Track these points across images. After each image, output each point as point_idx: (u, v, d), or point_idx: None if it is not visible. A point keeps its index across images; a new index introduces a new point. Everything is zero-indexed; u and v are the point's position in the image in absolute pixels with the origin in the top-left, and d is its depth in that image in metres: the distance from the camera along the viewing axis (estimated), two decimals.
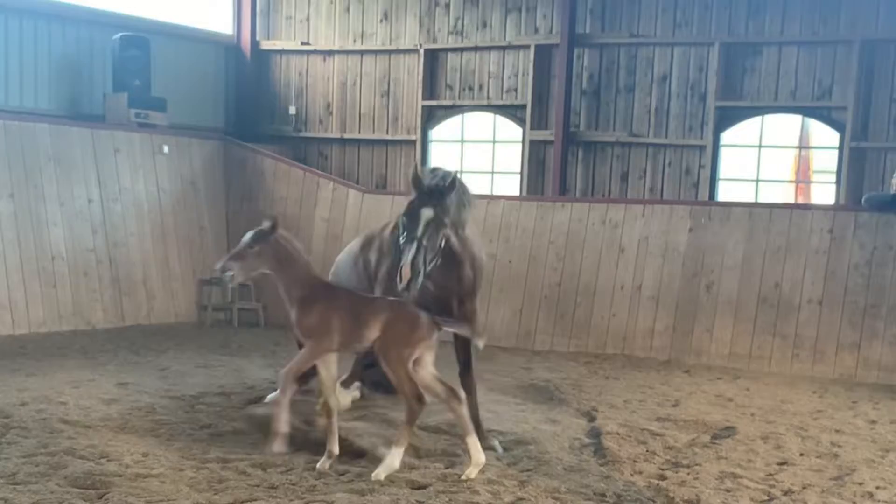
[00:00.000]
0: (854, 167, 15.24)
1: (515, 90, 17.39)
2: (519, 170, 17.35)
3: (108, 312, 15.10)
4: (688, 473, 8.18)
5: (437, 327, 7.87)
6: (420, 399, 7.70)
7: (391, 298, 8.12)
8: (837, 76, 15.41)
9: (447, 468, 7.96)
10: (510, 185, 17.47)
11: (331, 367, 8.07)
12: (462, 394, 7.91)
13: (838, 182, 15.43)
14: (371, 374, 10.06)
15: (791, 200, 15.78)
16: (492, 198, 16.00)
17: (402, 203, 9.67)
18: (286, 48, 19.07)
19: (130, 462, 7.69)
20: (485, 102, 17.58)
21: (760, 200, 15.63)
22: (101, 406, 9.65)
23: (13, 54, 15.50)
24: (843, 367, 13.60)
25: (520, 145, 17.31)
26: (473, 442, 7.79)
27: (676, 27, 16.33)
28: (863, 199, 14.33)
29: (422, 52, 17.94)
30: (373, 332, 7.79)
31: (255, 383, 11.21)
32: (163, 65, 17.21)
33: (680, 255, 14.67)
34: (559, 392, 11.44)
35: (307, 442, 8.43)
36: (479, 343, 7.90)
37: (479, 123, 17.78)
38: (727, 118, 16.06)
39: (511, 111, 17.41)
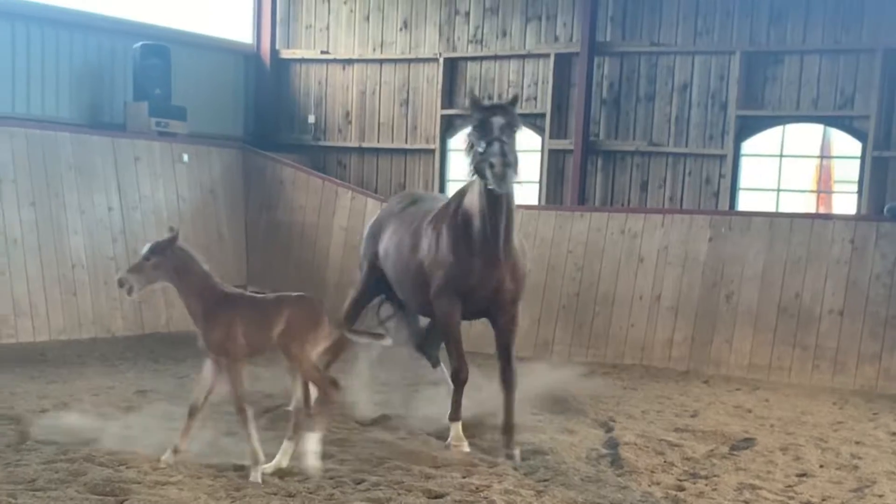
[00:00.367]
0: (876, 177, 15.15)
1: (535, 99, 17.38)
2: (538, 179, 17.32)
3: (127, 320, 15.14)
4: (706, 484, 8.16)
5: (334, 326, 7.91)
6: (335, 384, 7.86)
7: (294, 294, 8.06)
8: (860, 85, 15.32)
9: (464, 477, 7.96)
10: (528, 195, 17.43)
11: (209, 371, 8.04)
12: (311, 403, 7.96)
13: (860, 192, 15.33)
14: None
15: (812, 210, 15.70)
16: None
17: None
18: (306, 57, 19.13)
19: (149, 469, 7.71)
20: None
21: (781, 210, 15.55)
22: (121, 414, 9.68)
23: (35, 63, 15.59)
24: (863, 379, 13.50)
25: (539, 154, 17.29)
26: (288, 447, 7.88)
27: (697, 35, 16.28)
28: (885, 209, 14.25)
29: (441, 60, 17.95)
30: (277, 333, 7.77)
31: (272, 391, 11.20)
32: (183, 74, 17.27)
33: (699, 264, 14.61)
34: (576, 402, 11.39)
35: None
36: (386, 342, 8.10)
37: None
38: (748, 127, 16.00)
39: (530, 120, 17.37)
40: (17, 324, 14.02)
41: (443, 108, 17.95)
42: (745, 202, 16.09)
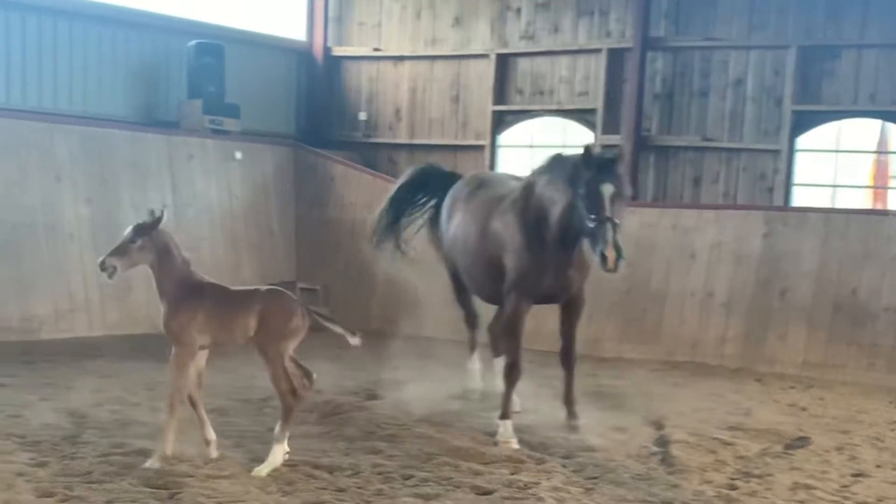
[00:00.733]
0: None
1: (586, 94, 17.31)
2: None
3: None
4: (759, 484, 8.07)
5: (309, 317, 7.84)
6: (294, 393, 7.76)
7: (265, 288, 8.03)
8: None
9: (512, 474, 7.95)
10: None
11: (200, 361, 8.04)
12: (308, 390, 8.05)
13: None
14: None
15: (869, 206, 15.50)
16: None
17: None
18: (357, 54, 19.19)
19: (201, 463, 7.78)
20: (555, 107, 17.52)
21: (837, 206, 15.37)
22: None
23: (91, 62, 15.79)
24: None
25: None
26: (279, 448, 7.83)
27: (752, 30, 16.13)
28: None
29: (493, 56, 17.93)
30: (248, 326, 7.73)
31: (321, 387, 11.25)
32: (236, 71, 17.40)
33: (753, 261, 14.47)
34: (627, 399, 11.35)
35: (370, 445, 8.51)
36: (354, 342, 8.02)
37: (549, 128, 17.71)
38: (804, 122, 15.82)
39: (582, 116, 17.32)
40: (73, 319, 14.22)
41: (494, 104, 17.93)
42: (800, 198, 15.93)
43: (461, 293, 11.34)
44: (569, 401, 9.69)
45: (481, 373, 11.38)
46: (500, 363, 10.87)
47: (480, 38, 18.19)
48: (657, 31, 16.71)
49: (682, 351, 14.54)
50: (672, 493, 7.64)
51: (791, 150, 15.86)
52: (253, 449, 8.34)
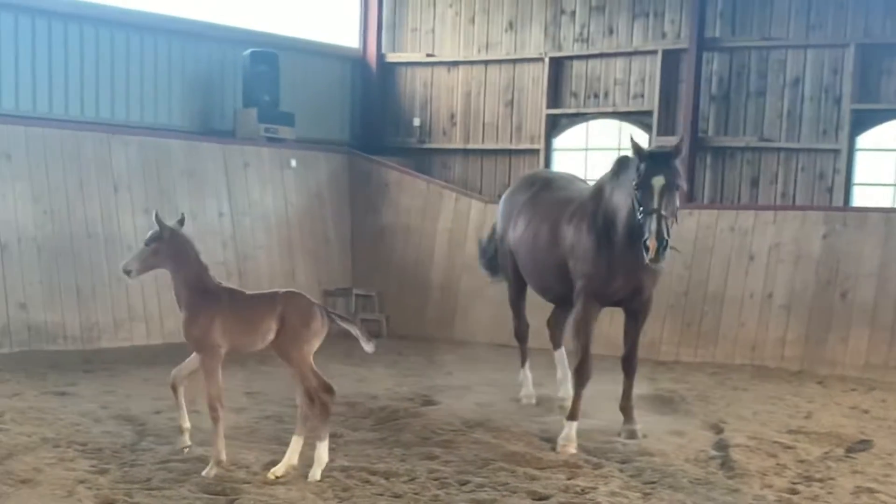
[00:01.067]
0: None
1: (642, 96, 17.20)
2: None
3: None
4: (821, 488, 7.97)
5: (330, 320, 7.83)
6: (329, 390, 7.78)
7: (283, 291, 8.03)
8: None
9: (569, 479, 7.92)
10: None
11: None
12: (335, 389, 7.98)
13: None
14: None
15: None
16: None
17: None
18: (411, 60, 19.22)
19: (259, 469, 7.85)
20: (610, 109, 17.43)
21: None
22: (231, 415, 9.78)
23: (148, 73, 15.95)
24: None
25: None
26: (298, 442, 7.86)
27: (810, 29, 15.94)
28: None
29: (547, 60, 17.88)
30: (269, 331, 7.74)
31: (377, 393, 11.30)
32: (291, 79, 17.51)
33: (813, 262, 14.30)
34: (684, 403, 11.27)
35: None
36: (368, 348, 7.93)
37: (604, 131, 17.62)
38: (863, 121, 15.59)
39: (637, 118, 17.22)
40: (132, 327, 14.39)
41: (548, 107, 17.87)
42: (861, 198, 15.69)
43: (518, 298, 11.35)
44: (627, 405, 9.67)
45: (534, 380, 11.36)
46: (559, 355, 11.19)
47: (534, 42, 18.14)
48: (712, 32, 16.57)
49: (741, 353, 14.41)
50: (732, 498, 7.56)
51: (851, 150, 15.64)
52: (309, 455, 8.34)
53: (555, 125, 17.96)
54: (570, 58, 17.85)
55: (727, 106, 16.63)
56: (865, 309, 13.85)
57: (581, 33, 17.73)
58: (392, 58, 19.34)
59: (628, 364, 9.74)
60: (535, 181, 10.97)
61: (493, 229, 11.86)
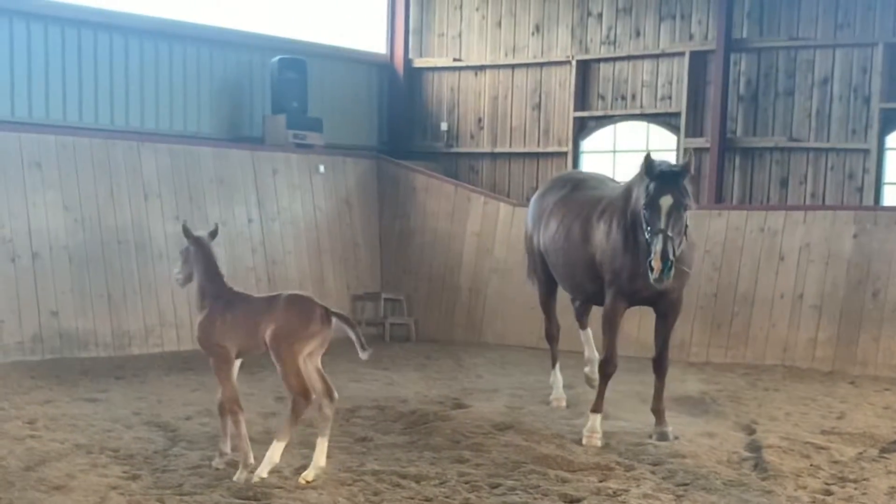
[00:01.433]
0: None
1: (669, 98, 17.16)
2: None
3: None
4: (855, 489, 7.91)
5: (329, 320, 7.77)
6: (307, 395, 7.70)
7: (289, 293, 8.10)
8: None
9: (601, 482, 7.89)
10: None
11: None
12: (335, 395, 7.92)
13: None
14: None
15: None
16: None
17: None
18: (438, 65, 19.25)
19: (290, 474, 7.85)
20: (638, 111, 17.39)
21: None
22: (261, 420, 9.87)
23: (177, 80, 16.06)
24: None
25: (674, 154, 17.04)
26: (323, 444, 7.80)
27: (838, 28, 15.87)
28: None
29: (574, 63, 17.87)
30: (266, 332, 7.80)
31: (407, 396, 11.30)
32: (319, 85, 17.58)
33: (844, 262, 14.22)
34: (716, 404, 11.22)
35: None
36: (363, 355, 7.78)
37: (632, 133, 17.57)
38: (892, 120, 15.51)
39: (665, 119, 17.18)
40: (163, 334, 14.48)
41: (575, 110, 17.86)
42: (891, 197, 15.59)
43: (549, 299, 11.36)
44: (658, 407, 9.66)
45: (564, 382, 11.37)
46: (585, 335, 11.39)
47: (561, 45, 18.14)
48: (740, 33, 16.52)
49: (772, 354, 14.35)
50: (766, 500, 7.51)
51: (881, 149, 15.54)
52: (341, 459, 8.38)
53: (582, 128, 17.94)
54: (598, 60, 17.84)
55: (755, 106, 16.57)
56: None
57: (608, 35, 17.71)
58: (419, 63, 19.38)
59: (659, 365, 9.73)
60: (566, 182, 11.00)
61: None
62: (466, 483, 7.73)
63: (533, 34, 18.42)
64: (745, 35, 16.52)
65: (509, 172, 18.72)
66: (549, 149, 18.23)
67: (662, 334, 9.70)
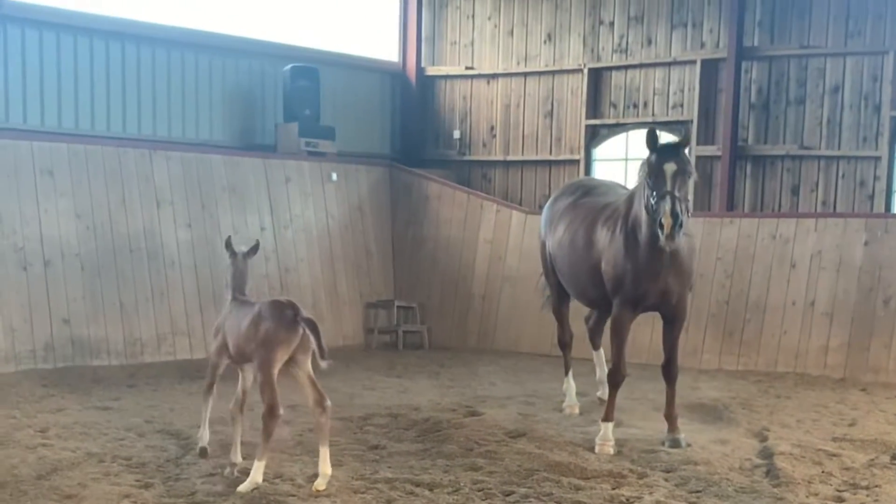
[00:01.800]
0: None
1: (681, 106, 17.16)
2: None
3: None
4: (867, 495, 7.91)
5: (300, 326, 7.70)
6: (272, 411, 7.68)
7: (269, 299, 8.15)
8: None
9: (614, 489, 7.90)
10: None
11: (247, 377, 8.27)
12: (328, 403, 7.89)
13: None
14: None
15: None
16: None
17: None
18: (451, 73, 19.28)
19: (303, 482, 7.87)
20: (649, 119, 17.39)
21: None
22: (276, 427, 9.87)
23: (189, 88, 16.11)
24: None
25: None
26: (325, 452, 7.78)
27: (849, 37, 15.86)
28: None
29: (585, 71, 17.89)
30: (252, 337, 7.83)
31: (420, 404, 11.32)
32: (331, 93, 17.62)
33: (855, 269, 14.21)
34: (728, 411, 11.20)
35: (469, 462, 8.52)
36: (323, 364, 7.66)
37: (644, 141, 17.49)
38: None
39: (677, 127, 17.13)
40: (175, 342, 14.51)
41: (587, 118, 17.88)
42: None
43: (561, 305, 11.41)
44: (670, 414, 9.68)
45: (577, 390, 11.39)
46: (598, 356, 11.43)
47: (573, 53, 18.16)
48: (751, 41, 16.52)
49: (784, 361, 14.35)
50: None
51: (891, 157, 15.53)
52: (354, 467, 8.40)
53: (594, 136, 17.96)
54: (609, 68, 17.85)
55: (767, 114, 16.56)
56: None
57: (620, 44, 17.73)
58: (431, 71, 19.41)
59: (668, 371, 9.77)
60: (577, 188, 11.09)
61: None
62: (480, 491, 7.74)
63: (545, 42, 18.44)
64: (756, 43, 16.52)
65: (521, 180, 18.74)
66: (562, 157, 18.24)
67: (670, 340, 9.74)
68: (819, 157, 16.13)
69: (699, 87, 16.85)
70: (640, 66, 17.54)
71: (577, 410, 11.06)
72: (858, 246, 14.25)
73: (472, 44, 19.16)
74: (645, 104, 17.53)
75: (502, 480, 8.05)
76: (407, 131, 19.40)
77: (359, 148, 18.31)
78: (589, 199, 10.58)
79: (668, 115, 17.28)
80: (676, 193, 8.71)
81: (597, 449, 9.15)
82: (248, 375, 8.25)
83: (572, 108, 18.15)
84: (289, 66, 16.73)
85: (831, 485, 8.21)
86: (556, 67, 18.29)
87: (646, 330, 13.72)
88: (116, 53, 15.23)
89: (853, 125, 15.86)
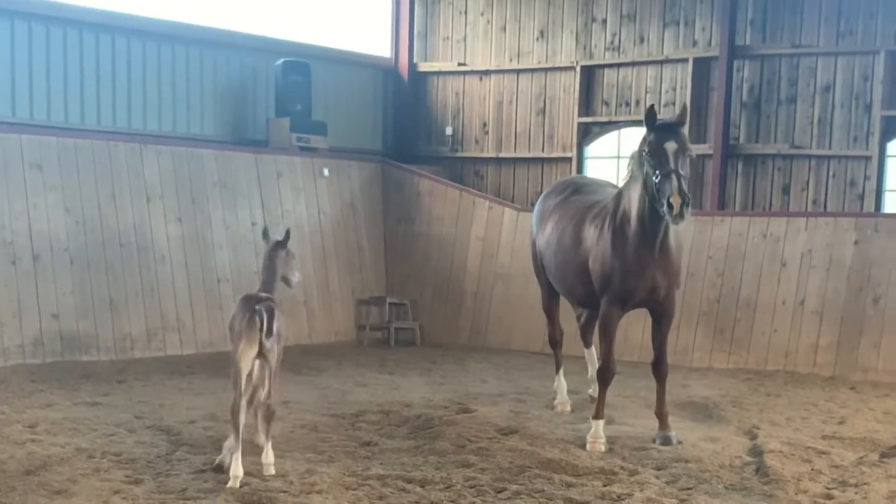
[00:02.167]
0: None
1: (672, 104, 17.16)
2: None
3: None
4: (856, 493, 7.94)
5: (254, 320, 7.73)
6: (233, 405, 7.79)
7: (244, 294, 8.28)
8: None
9: (605, 486, 7.92)
10: None
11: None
12: (273, 408, 8.06)
13: None
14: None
15: None
16: None
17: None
18: (443, 69, 19.27)
19: (294, 479, 7.86)
20: (641, 117, 17.35)
21: None
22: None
23: (180, 83, 16.05)
24: None
25: None
26: (267, 448, 7.98)
27: (840, 37, 15.88)
28: None
29: (578, 68, 17.89)
30: (239, 332, 7.87)
31: (412, 401, 11.32)
32: (323, 89, 17.60)
33: (845, 268, 14.24)
34: (718, 409, 11.24)
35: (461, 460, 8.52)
36: (267, 343, 7.77)
37: (636, 139, 17.51)
38: (894, 128, 15.52)
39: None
40: (165, 337, 14.47)
41: (579, 115, 17.88)
42: (892, 204, 15.61)
43: (552, 303, 11.42)
44: (661, 411, 9.70)
45: (568, 387, 11.40)
46: (589, 353, 11.41)
47: (565, 51, 18.16)
48: (743, 40, 16.54)
49: (774, 360, 14.39)
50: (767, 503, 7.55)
51: (882, 156, 15.57)
52: (346, 464, 8.39)
53: (586, 133, 17.97)
54: (602, 66, 17.86)
55: (758, 113, 16.59)
56: None
57: (612, 42, 17.73)
58: (424, 67, 19.40)
59: (658, 369, 9.79)
60: (567, 186, 11.10)
61: None
62: (472, 487, 7.74)
63: (538, 39, 18.44)
64: (748, 42, 16.54)
65: (514, 177, 18.74)
66: (554, 154, 18.24)
67: (659, 338, 9.76)
68: (810, 157, 16.16)
69: (691, 86, 16.87)
70: (633, 63, 17.55)
71: (568, 408, 11.08)
72: (848, 245, 14.28)
73: (465, 40, 19.15)
74: (637, 102, 17.53)
75: (494, 477, 8.06)
76: (399, 127, 19.38)
77: (351, 143, 18.29)
78: (578, 197, 10.59)
79: (660, 113, 17.20)
80: (681, 171, 8.70)
81: (588, 446, 9.17)
82: (255, 372, 8.21)
83: (565, 106, 18.15)
84: (281, 61, 16.69)
85: (820, 482, 8.25)
86: (549, 65, 18.29)
87: (637, 327, 13.75)
88: (107, 46, 15.16)
89: (844, 125, 15.89)
